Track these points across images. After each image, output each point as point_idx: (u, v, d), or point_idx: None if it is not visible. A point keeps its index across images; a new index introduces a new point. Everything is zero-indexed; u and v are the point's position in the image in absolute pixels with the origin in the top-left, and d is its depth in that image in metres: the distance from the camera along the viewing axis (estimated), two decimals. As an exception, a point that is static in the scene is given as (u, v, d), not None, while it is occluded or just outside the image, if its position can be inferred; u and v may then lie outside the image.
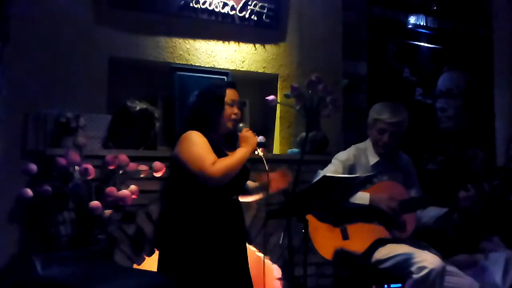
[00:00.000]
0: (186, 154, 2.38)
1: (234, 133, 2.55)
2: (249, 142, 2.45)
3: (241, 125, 2.54)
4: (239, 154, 2.40)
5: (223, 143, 2.54)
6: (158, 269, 2.46)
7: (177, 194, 2.48)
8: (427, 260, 2.52)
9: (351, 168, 2.82)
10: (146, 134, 3.00)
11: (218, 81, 2.82)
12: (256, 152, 2.50)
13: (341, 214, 2.74)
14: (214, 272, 2.38)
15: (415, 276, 2.51)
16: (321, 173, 2.81)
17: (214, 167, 2.31)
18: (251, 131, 2.51)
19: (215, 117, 2.48)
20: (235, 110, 2.53)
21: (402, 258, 2.59)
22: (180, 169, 2.42)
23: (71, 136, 2.74)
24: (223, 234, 2.43)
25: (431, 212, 2.79)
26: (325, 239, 2.75)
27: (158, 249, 2.59)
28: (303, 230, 2.37)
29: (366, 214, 2.71)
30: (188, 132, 2.44)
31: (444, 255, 2.70)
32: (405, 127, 2.83)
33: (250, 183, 2.68)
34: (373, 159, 2.86)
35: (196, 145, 2.38)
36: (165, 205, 2.84)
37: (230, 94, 2.53)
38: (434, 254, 2.60)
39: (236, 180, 2.44)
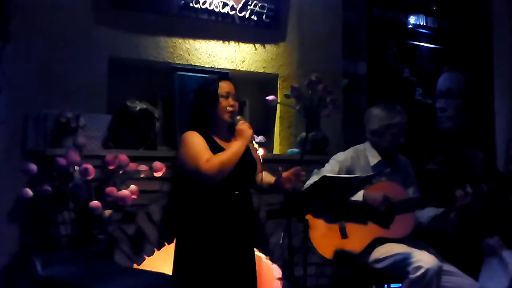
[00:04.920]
0: (183, 155, 2.41)
1: (235, 126, 2.51)
2: (243, 135, 2.43)
3: (238, 117, 2.52)
4: (234, 148, 2.39)
5: (227, 137, 2.53)
6: (173, 267, 2.48)
7: (181, 194, 2.51)
8: (423, 260, 2.51)
9: (348, 170, 2.82)
10: (146, 134, 3.00)
11: (211, 76, 2.78)
12: (251, 145, 2.49)
13: (337, 212, 2.74)
14: (218, 268, 2.38)
15: (411, 276, 2.51)
16: (317, 172, 2.81)
17: (208, 163, 2.32)
18: (246, 124, 2.48)
19: (210, 111, 2.49)
20: (231, 101, 2.51)
21: (399, 258, 2.59)
22: (181, 170, 2.45)
23: (71, 136, 2.74)
24: (227, 231, 2.43)
25: (429, 213, 2.80)
26: (324, 238, 2.75)
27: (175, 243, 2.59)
28: (303, 231, 2.37)
29: (360, 211, 2.71)
30: (185, 133, 2.47)
31: (445, 256, 2.70)
32: None
33: (265, 178, 2.60)
34: (374, 160, 2.86)
35: (191, 145, 2.40)
36: (171, 204, 2.88)
37: (224, 86, 2.52)
38: (433, 254, 2.60)
39: (239, 175, 2.44)
